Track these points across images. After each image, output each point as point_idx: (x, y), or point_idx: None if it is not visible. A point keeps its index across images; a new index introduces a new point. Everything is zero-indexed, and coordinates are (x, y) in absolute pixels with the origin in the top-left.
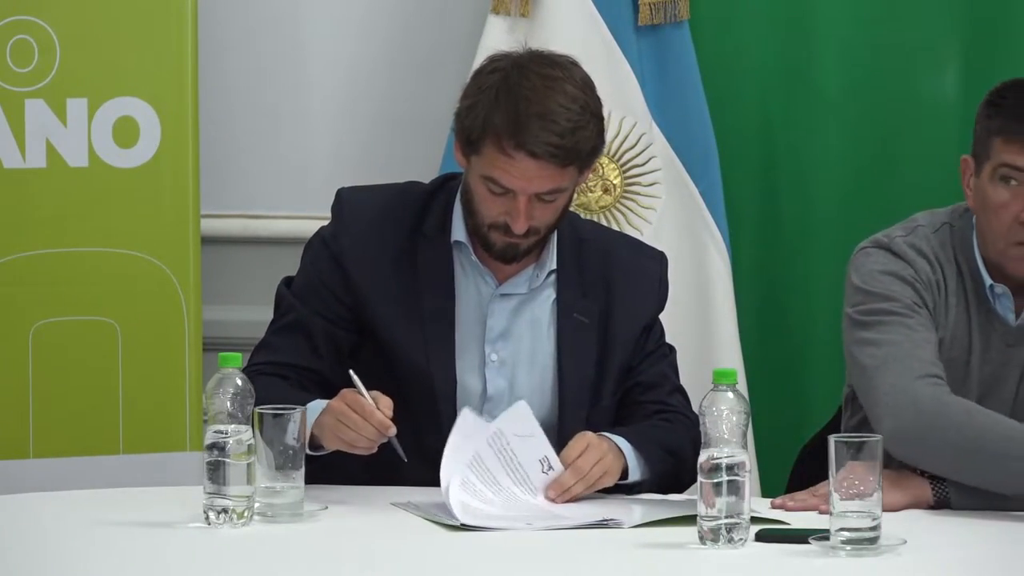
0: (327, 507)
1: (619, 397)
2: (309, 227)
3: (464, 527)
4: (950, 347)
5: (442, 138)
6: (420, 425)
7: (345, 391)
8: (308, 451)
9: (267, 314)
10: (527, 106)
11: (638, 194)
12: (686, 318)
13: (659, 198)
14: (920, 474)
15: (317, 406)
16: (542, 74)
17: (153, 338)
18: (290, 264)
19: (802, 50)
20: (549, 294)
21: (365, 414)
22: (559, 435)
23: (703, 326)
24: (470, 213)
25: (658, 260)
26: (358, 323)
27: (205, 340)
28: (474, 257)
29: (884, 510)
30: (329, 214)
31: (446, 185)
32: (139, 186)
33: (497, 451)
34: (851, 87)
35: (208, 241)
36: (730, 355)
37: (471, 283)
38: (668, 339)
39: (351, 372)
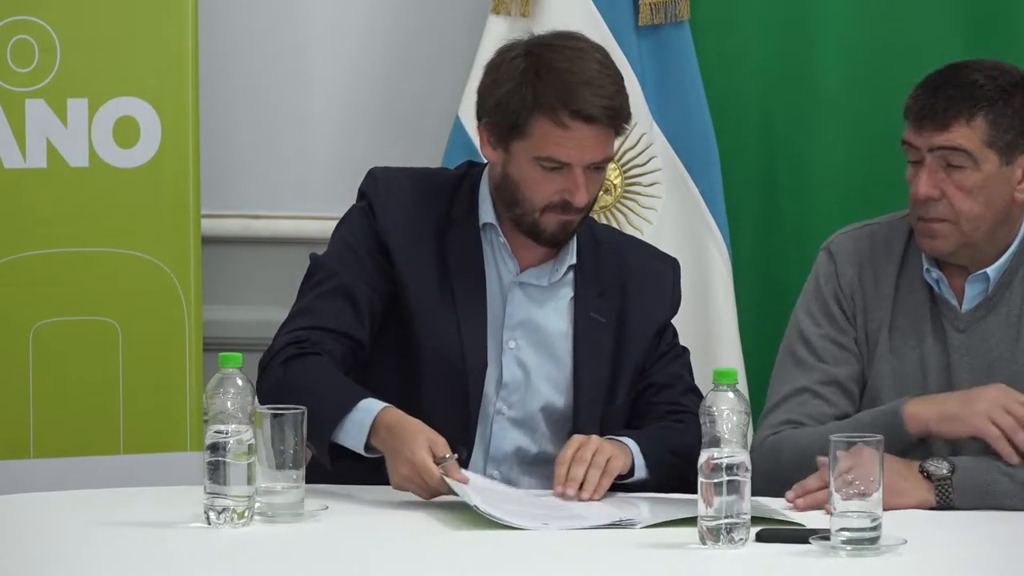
0: (327, 507)
1: (633, 398)
2: (310, 227)
3: (491, 519)
4: (891, 339)
5: (443, 137)
6: (443, 406)
7: (423, 453)
8: (364, 452)
9: (268, 314)
10: (571, 76)
11: (639, 194)
12: (687, 318)
13: (659, 198)
14: (926, 477)
15: (373, 405)
16: (569, 47)
17: (153, 338)
18: (291, 264)
19: (803, 50)
20: (567, 292)
21: (428, 492)
22: (573, 431)
23: (704, 326)
24: (514, 203)
25: (672, 265)
26: (393, 298)
27: (205, 340)
28: (502, 238)
29: (886, 509)
30: (329, 214)
31: (470, 172)
32: (139, 186)
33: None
34: (852, 86)
35: (208, 241)
36: (730, 355)
37: (494, 266)
38: None
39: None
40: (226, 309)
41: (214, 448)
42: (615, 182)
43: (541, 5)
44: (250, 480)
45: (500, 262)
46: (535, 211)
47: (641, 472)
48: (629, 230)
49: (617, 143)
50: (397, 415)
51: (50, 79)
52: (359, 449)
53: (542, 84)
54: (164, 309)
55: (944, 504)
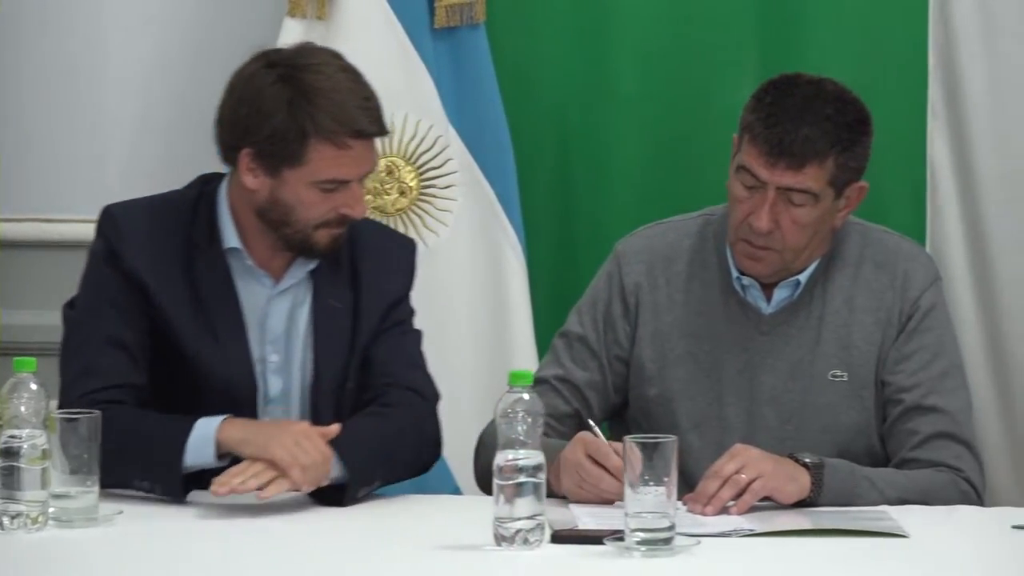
0: (122, 511)
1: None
2: None
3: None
4: (683, 342)
5: None
6: None
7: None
8: (218, 463)
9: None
10: (340, 96)
11: (434, 196)
12: (482, 319)
13: (455, 200)
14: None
15: (210, 422)
16: (320, 63)
17: None
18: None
19: (598, 52)
20: (312, 285)
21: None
22: (312, 421)
23: (499, 327)
24: (283, 224)
25: (407, 247)
26: (159, 332)
27: (0, 344)
28: (249, 262)
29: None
30: None
31: (205, 191)
32: None
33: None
34: (647, 89)
35: (2, 245)
36: (526, 356)
37: (248, 288)
38: (464, 339)
39: (589, 422)
40: (20, 313)
41: (7, 453)
42: (411, 184)
43: (337, 7)
44: (44, 485)
45: (253, 281)
46: (309, 227)
47: (335, 472)
48: (425, 232)
49: (413, 145)
50: (241, 422)
51: None
52: (211, 463)
53: (317, 110)
54: None
55: (813, 496)
